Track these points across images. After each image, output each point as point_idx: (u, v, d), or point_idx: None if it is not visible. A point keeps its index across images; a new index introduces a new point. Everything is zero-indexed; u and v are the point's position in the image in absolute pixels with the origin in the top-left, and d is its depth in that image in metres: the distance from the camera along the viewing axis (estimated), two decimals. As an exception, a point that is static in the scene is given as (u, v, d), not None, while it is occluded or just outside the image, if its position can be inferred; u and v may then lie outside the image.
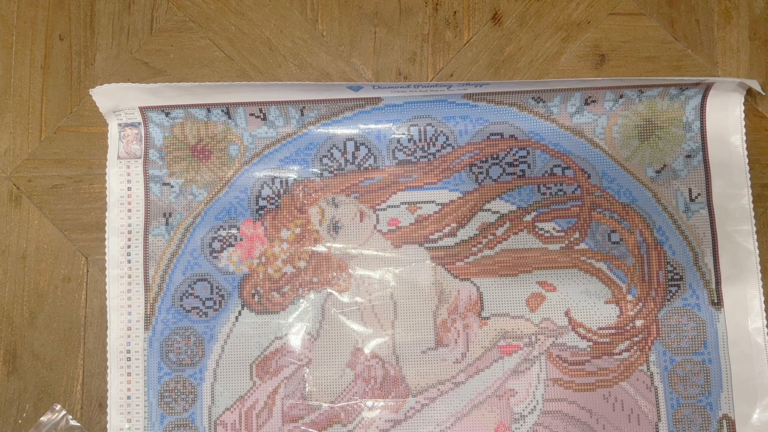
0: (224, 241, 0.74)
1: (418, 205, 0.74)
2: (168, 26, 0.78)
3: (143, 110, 0.75)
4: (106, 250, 0.74)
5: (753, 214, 0.71)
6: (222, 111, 0.74)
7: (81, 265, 0.76)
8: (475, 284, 0.72)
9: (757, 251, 0.71)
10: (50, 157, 0.77)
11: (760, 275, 0.71)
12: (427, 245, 0.73)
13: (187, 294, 0.73)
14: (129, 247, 0.74)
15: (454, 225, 0.73)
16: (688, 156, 0.73)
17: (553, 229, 0.73)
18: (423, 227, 0.73)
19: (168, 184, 0.75)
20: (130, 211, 0.74)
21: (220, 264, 0.74)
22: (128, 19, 0.79)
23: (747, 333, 0.70)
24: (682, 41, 0.75)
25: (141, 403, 0.72)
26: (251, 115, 0.74)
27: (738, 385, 0.70)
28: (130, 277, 0.74)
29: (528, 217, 0.73)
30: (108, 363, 0.73)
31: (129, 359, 0.73)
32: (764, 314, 0.70)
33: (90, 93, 0.73)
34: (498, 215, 0.73)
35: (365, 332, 0.72)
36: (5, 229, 0.76)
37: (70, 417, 0.74)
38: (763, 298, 0.70)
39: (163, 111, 0.75)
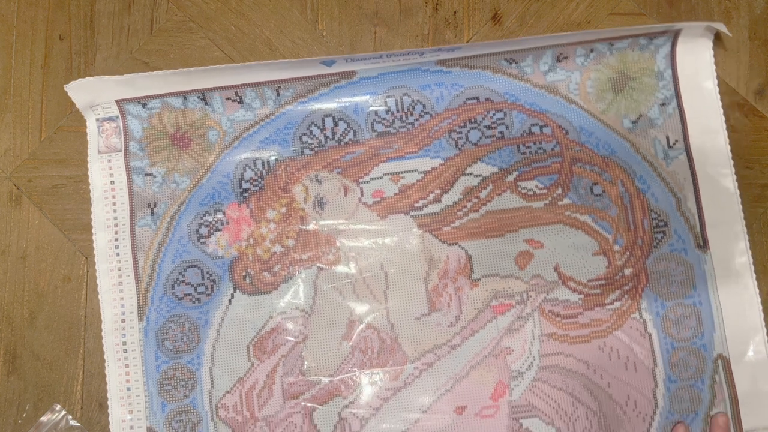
0: (211, 226, 0.75)
1: (400, 175, 0.75)
2: (168, 26, 0.79)
3: (120, 103, 0.75)
4: (94, 245, 0.75)
5: (731, 155, 0.73)
6: (198, 98, 0.76)
7: (81, 265, 0.76)
8: (463, 248, 0.74)
9: (738, 191, 0.72)
10: (50, 157, 0.78)
11: (742, 214, 0.72)
12: (412, 213, 0.74)
13: (178, 281, 0.74)
14: (116, 240, 0.75)
15: (438, 191, 0.75)
16: (663, 104, 0.74)
17: (536, 187, 0.74)
18: (407, 196, 0.75)
19: (150, 174, 0.76)
20: (114, 204, 0.75)
21: (209, 249, 0.75)
22: (128, 19, 0.79)
23: (734, 272, 0.72)
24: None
25: (141, 393, 0.73)
26: (227, 99, 0.75)
27: (730, 324, 0.72)
28: (120, 269, 0.74)
29: (510, 178, 0.74)
30: (105, 356, 0.74)
31: (125, 351, 0.74)
32: (749, 252, 0.72)
33: (65, 89, 0.74)
34: (480, 178, 0.75)
35: (358, 304, 0.74)
36: (5, 229, 0.77)
37: (70, 417, 0.75)
38: (747, 237, 0.72)
39: (139, 102, 0.76)
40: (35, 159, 0.78)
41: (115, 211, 0.75)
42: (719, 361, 0.72)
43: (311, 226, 0.74)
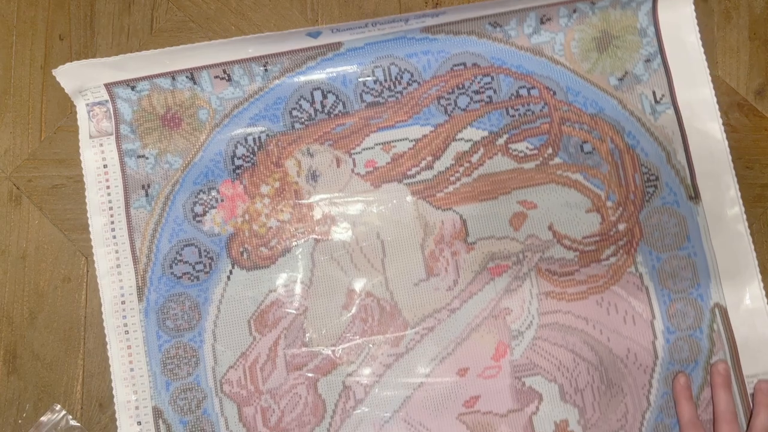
0: (206, 204, 0.76)
1: (392, 144, 0.76)
2: (168, 26, 0.80)
3: (109, 87, 0.76)
4: (90, 230, 0.76)
5: (717, 107, 0.74)
6: (187, 77, 0.76)
7: (81, 265, 0.77)
8: (457, 212, 0.75)
9: (726, 141, 0.74)
10: (50, 157, 0.78)
11: (731, 165, 0.73)
12: (406, 181, 0.75)
13: (176, 261, 0.75)
14: (112, 223, 0.76)
15: (429, 158, 0.76)
16: (647, 60, 0.75)
17: (526, 148, 0.75)
18: (399, 164, 0.76)
19: (143, 156, 0.76)
20: (108, 188, 0.76)
21: (205, 227, 0.76)
22: (128, 19, 0.80)
23: (726, 221, 0.73)
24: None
25: (145, 373, 0.74)
26: (216, 77, 0.76)
27: (725, 273, 0.73)
28: (117, 252, 0.75)
29: (500, 141, 0.75)
30: (107, 339, 0.74)
31: (127, 332, 0.74)
32: (740, 201, 0.73)
33: (53, 74, 0.74)
34: (471, 143, 0.76)
35: (357, 273, 0.75)
36: (5, 229, 0.78)
37: (70, 417, 0.76)
38: (737, 186, 0.73)
39: (128, 85, 0.76)
40: (35, 159, 0.79)
41: (109, 194, 0.76)
42: (716, 310, 0.73)
43: (306, 200, 0.75)
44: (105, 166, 0.76)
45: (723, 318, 0.73)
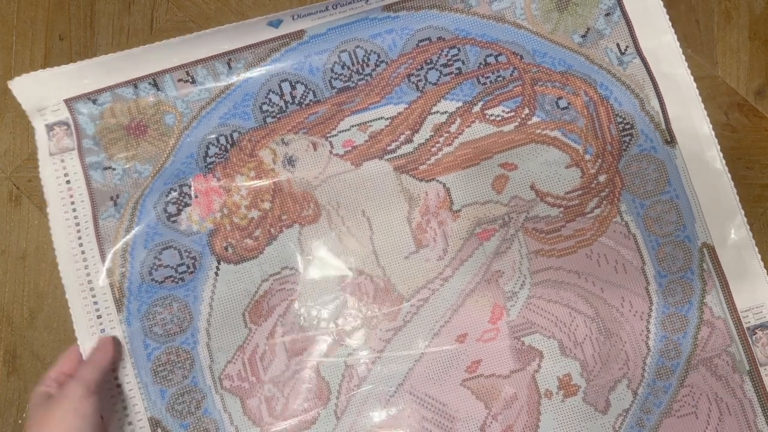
0: (178, 202, 0.81)
1: (368, 124, 0.84)
2: (168, 26, 0.88)
3: (69, 102, 0.82)
4: (55, 247, 0.79)
5: (681, 51, 0.84)
6: (149, 84, 0.83)
7: None
8: (440, 182, 0.83)
9: (695, 84, 0.83)
10: None
11: (702, 105, 0.82)
12: (387, 157, 0.83)
13: (155, 266, 0.81)
14: (80, 239, 0.80)
15: (408, 132, 0.84)
16: (608, 14, 0.85)
17: (503, 111, 0.84)
18: (378, 141, 0.84)
19: (110, 167, 0.82)
20: (73, 203, 0.81)
21: (182, 227, 0.82)
22: (128, 19, 0.88)
23: (704, 161, 0.82)
24: (682, 41, 0.83)
25: (134, 386, 0.79)
26: (179, 80, 0.83)
27: (708, 212, 0.82)
28: (87, 267, 0.80)
29: (476, 108, 0.84)
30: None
31: None
32: (716, 140, 0.82)
33: (9, 86, 0.80)
34: (447, 114, 0.84)
35: (346, 253, 0.82)
36: (5, 229, 0.85)
37: (70, 417, 0.81)
38: (711, 126, 0.81)
39: (89, 99, 0.83)
40: (35, 159, 0.84)
41: (74, 210, 0.81)
42: (704, 250, 0.81)
43: (285, 185, 0.82)
44: (68, 183, 0.82)
45: (711, 256, 0.81)
